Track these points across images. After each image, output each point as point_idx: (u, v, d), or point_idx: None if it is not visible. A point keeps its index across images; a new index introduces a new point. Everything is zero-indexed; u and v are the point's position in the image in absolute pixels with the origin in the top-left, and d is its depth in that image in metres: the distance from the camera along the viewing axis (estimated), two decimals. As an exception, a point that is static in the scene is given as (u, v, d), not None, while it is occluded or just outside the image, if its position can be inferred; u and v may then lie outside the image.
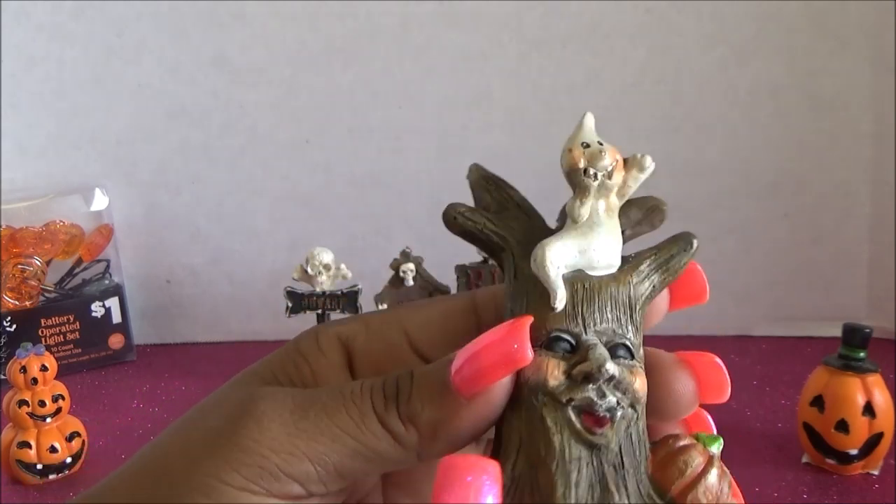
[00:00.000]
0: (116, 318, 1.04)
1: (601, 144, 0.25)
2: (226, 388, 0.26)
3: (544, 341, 0.23)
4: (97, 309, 1.03)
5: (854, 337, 0.69)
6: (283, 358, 0.26)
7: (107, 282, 1.05)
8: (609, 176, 0.24)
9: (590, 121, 0.25)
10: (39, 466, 0.76)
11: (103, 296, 1.03)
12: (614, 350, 0.23)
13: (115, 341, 1.04)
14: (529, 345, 0.22)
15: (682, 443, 0.23)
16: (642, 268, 0.25)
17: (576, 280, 0.24)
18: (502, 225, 0.26)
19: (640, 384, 0.23)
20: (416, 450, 0.23)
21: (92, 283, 1.05)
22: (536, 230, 0.26)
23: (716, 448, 0.23)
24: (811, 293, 0.99)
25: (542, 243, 0.24)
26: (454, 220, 0.26)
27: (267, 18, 0.99)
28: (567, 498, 0.22)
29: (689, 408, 0.25)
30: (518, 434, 0.23)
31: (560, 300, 0.23)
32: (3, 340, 0.98)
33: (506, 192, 0.26)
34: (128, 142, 1.04)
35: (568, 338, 0.23)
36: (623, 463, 0.23)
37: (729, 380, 0.25)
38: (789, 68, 0.95)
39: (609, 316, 0.24)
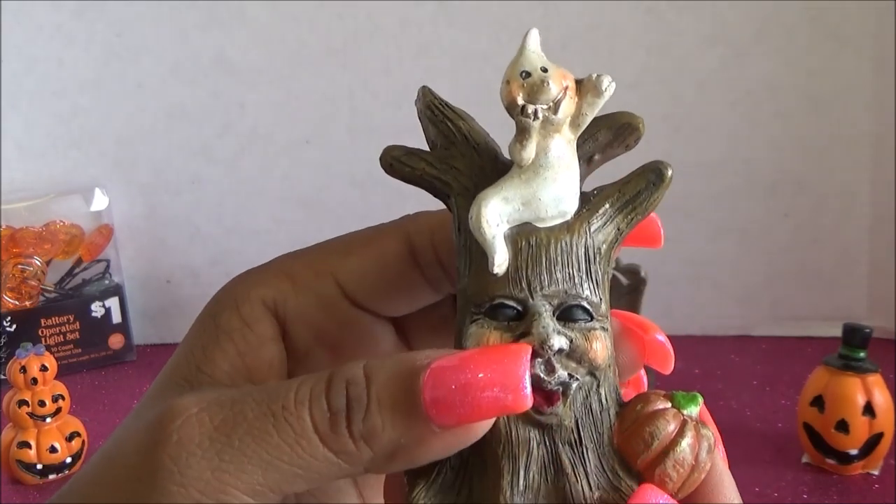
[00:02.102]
0: (116, 318, 1.04)
1: (545, 71, 0.21)
2: (146, 399, 0.22)
3: (486, 308, 0.20)
4: (97, 309, 1.03)
5: (854, 337, 0.69)
6: (205, 339, 0.22)
7: (107, 282, 1.05)
8: (555, 109, 0.21)
9: (533, 40, 0.22)
10: (39, 466, 0.76)
11: (103, 296, 1.03)
12: (569, 312, 0.20)
13: (115, 341, 1.04)
14: (529, 386, 0.19)
15: (651, 407, 0.20)
16: (603, 210, 0.21)
17: (520, 237, 0.21)
18: (444, 167, 0.22)
19: (600, 348, 0.20)
20: (367, 466, 0.19)
21: (92, 283, 1.05)
22: (486, 171, 0.22)
23: (692, 409, 0.20)
24: (811, 293, 0.99)
25: (478, 197, 0.21)
26: (390, 166, 0.23)
27: (267, 18, 0.99)
28: (514, 485, 0.20)
29: (631, 373, 0.23)
30: None
31: (499, 265, 0.20)
32: (3, 340, 0.98)
33: (453, 124, 0.22)
34: (128, 142, 1.04)
35: (512, 304, 0.20)
36: (581, 439, 0.20)
37: (672, 355, 0.23)
38: (789, 68, 0.95)
39: (559, 275, 0.20)
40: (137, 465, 0.19)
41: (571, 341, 0.20)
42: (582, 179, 0.22)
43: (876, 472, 0.70)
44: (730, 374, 0.90)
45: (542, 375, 0.20)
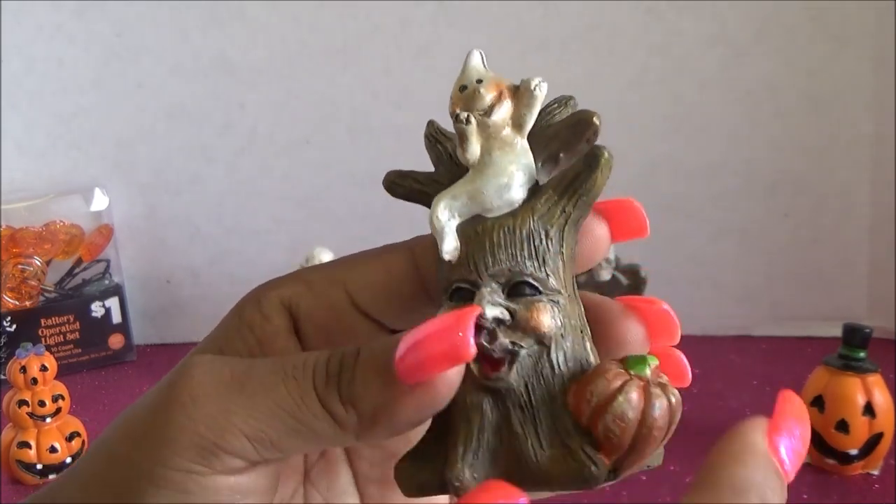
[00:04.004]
0: (116, 318, 1.04)
1: (480, 82, 0.23)
2: (172, 372, 0.25)
3: (450, 293, 0.23)
4: (97, 309, 1.03)
5: (854, 337, 0.69)
6: (228, 329, 0.25)
7: (107, 282, 1.05)
8: (489, 113, 0.23)
9: (472, 59, 0.24)
10: (39, 466, 0.76)
11: (103, 296, 1.03)
12: (516, 289, 0.22)
13: (115, 341, 1.04)
14: (473, 338, 0.21)
15: (597, 369, 0.22)
16: (547, 196, 0.23)
17: (468, 227, 0.23)
18: (430, 183, 0.25)
19: (544, 318, 0.22)
20: (355, 431, 0.22)
21: (92, 283, 1.05)
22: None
23: (641, 369, 0.21)
24: (811, 293, 0.99)
25: (434, 198, 0.24)
26: (388, 187, 0.26)
27: (267, 18, 0.99)
28: (468, 445, 0.22)
29: (642, 348, 0.24)
30: None
31: (447, 251, 0.23)
32: (3, 340, 0.98)
33: (442, 146, 0.25)
34: (128, 142, 1.04)
35: (466, 286, 0.23)
36: (531, 402, 0.22)
37: (678, 323, 0.24)
38: (789, 68, 0.95)
39: (502, 256, 0.23)
40: (157, 402, 0.22)
41: (514, 314, 0.22)
42: (548, 176, 0.24)
43: (876, 473, 0.71)
44: (730, 374, 0.90)
45: (485, 344, 0.22)
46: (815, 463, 0.71)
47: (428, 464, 0.23)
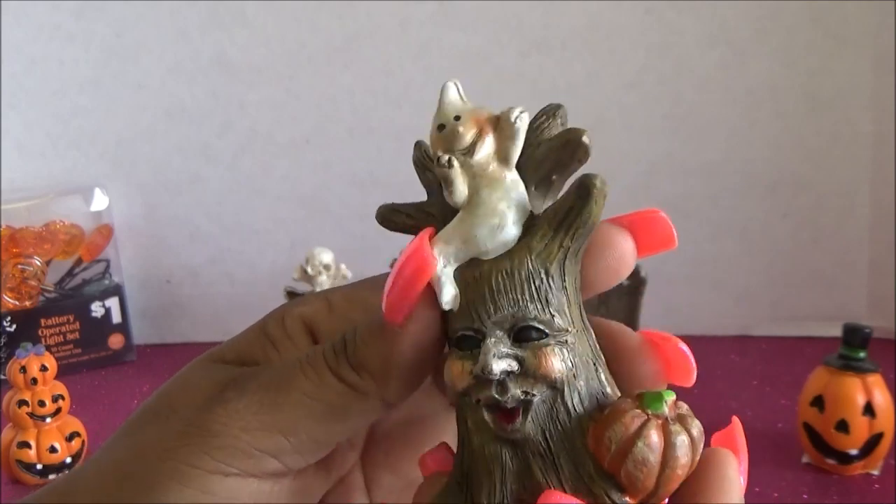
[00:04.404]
0: (116, 318, 1.04)
1: (457, 119, 0.22)
2: (189, 371, 0.26)
3: (455, 340, 0.22)
4: (97, 309, 1.03)
5: (854, 337, 0.69)
6: (251, 340, 0.26)
7: (107, 282, 1.05)
8: (471, 152, 0.22)
9: (448, 94, 0.23)
10: (39, 466, 0.76)
11: (103, 296, 1.03)
12: (522, 333, 0.22)
13: (115, 341, 1.04)
14: (430, 250, 0.22)
15: (613, 410, 0.21)
16: (542, 233, 0.22)
17: (466, 272, 0.22)
18: (421, 216, 0.24)
19: (553, 362, 0.21)
20: (377, 395, 0.23)
21: (92, 283, 1.05)
22: (456, 215, 0.24)
23: (658, 407, 0.21)
24: (811, 293, 0.99)
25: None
26: (380, 221, 0.25)
27: (267, 18, 0.99)
28: (491, 498, 0.21)
29: (656, 384, 0.23)
30: (459, 432, 0.23)
31: (446, 302, 0.22)
32: (3, 340, 0.98)
33: (432, 174, 0.24)
34: (128, 142, 1.04)
35: (471, 333, 0.22)
36: (550, 448, 0.21)
37: (694, 364, 0.23)
38: (789, 68, 0.95)
39: (504, 302, 0.22)
40: (189, 417, 0.23)
41: (522, 361, 0.21)
42: (543, 200, 0.23)
43: (876, 472, 0.71)
44: (730, 374, 0.90)
45: (496, 396, 0.21)
46: (815, 463, 0.71)
47: (457, 497, 0.22)
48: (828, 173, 0.97)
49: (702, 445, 0.21)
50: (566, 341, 0.22)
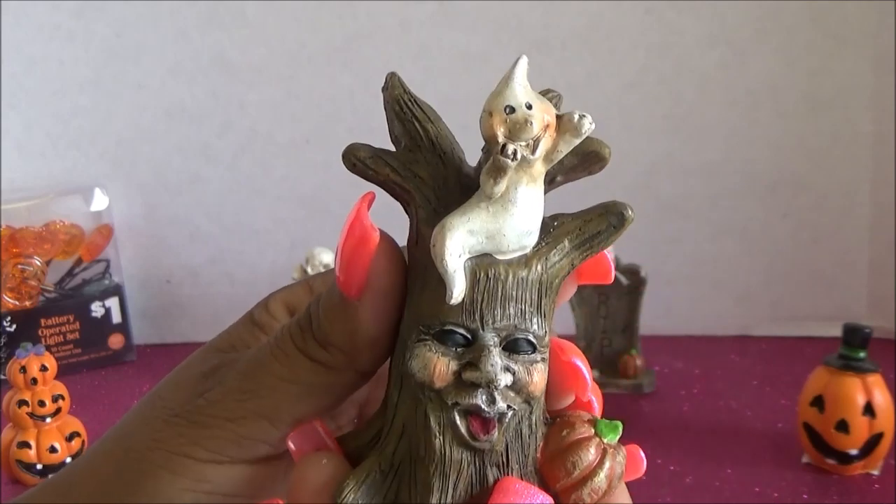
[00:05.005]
0: (116, 318, 1.04)
1: (529, 108, 0.21)
2: (182, 365, 0.26)
3: (436, 332, 0.21)
4: (97, 309, 1.03)
5: (854, 337, 0.69)
6: (241, 329, 0.27)
7: (107, 282, 1.05)
8: (533, 148, 0.21)
9: (521, 71, 0.21)
10: (39, 466, 0.76)
11: (103, 296, 1.03)
12: (514, 344, 0.21)
13: (115, 341, 1.04)
14: (370, 221, 0.22)
15: (575, 435, 0.21)
16: (561, 246, 0.22)
17: (479, 268, 0.21)
18: (408, 175, 0.23)
19: (538, 379, 0.21)
20: (349, 367, 0.23)
21: (92, 283, 1.05)
22: (449, 184, 0.22)
23: (613, 438, 0.21)
24: (811, 293, 0.99)
25: (443, 224, 0.21)
26: (353, 165, 0.23)
27: (267, 18, 0.99)
28: (443, 500, 0.21)
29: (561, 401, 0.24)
30: (402, 420, 0.21)
31: (456, 297, 0.21)
32: (3, 340, 0.98)
33: (421, 126, 0.23)
34: (128, 142, 1.04)
35: (463, 332, 0.21)
36: (508, 461, 0.21)
37: (588, 380, 0.23)
38: (789, 68, 0.95)
39: (512, 310, 0.21)
40: (176, 409, 0.24)
41: (515, 374, 0.21)
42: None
43: (876, 472, 0.70)
44: (730, 374, 0.90)
45: (482, 405, 0.21)
46: (816, 463, 0.71)
47: (376, 497, 0.21)
48: (828, 173, 0.97)
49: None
50: (546, 358, 0.22)
